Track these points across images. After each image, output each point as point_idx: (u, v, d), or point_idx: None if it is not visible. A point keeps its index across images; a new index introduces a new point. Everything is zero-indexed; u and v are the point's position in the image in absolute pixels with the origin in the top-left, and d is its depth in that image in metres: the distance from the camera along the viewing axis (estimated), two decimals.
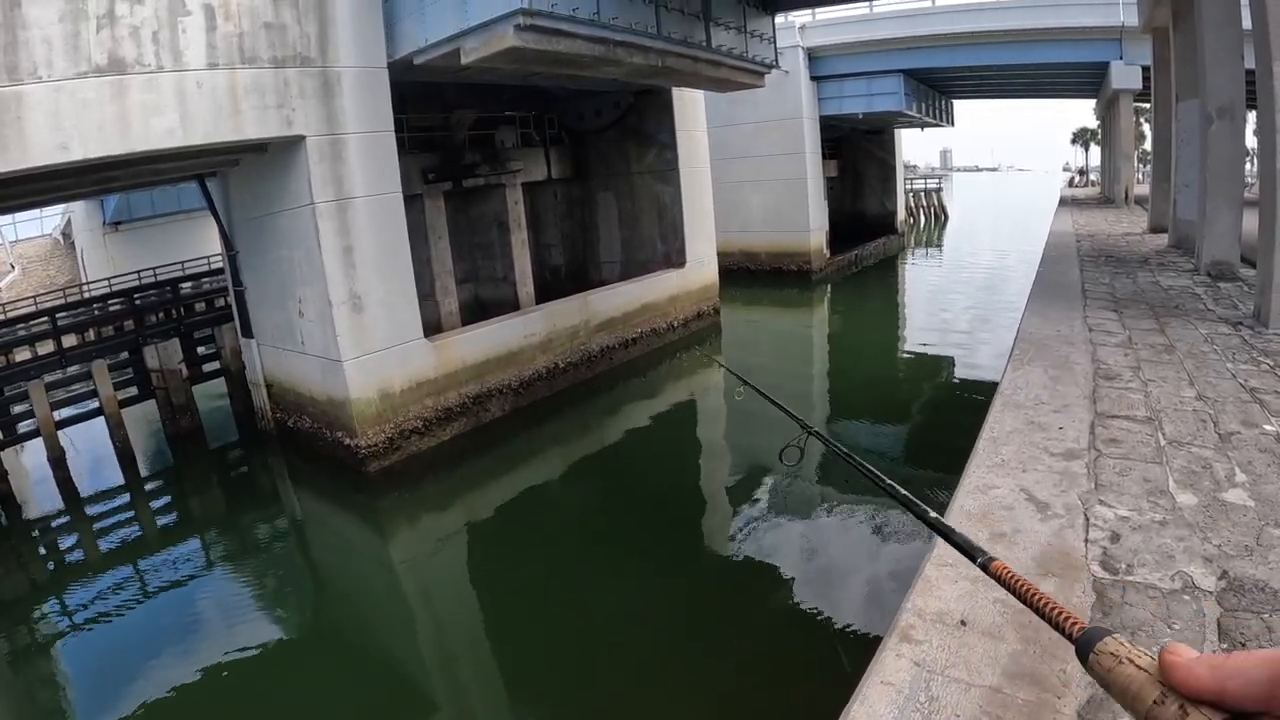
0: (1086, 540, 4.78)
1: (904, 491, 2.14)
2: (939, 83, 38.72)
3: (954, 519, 5.15)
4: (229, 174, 17.09)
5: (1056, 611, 1.18)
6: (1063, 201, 37.29)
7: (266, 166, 15.42)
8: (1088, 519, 5.05)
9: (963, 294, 31.88)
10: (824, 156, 37.06)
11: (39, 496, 17.94)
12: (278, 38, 13.73)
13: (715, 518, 13.76)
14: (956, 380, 19.65)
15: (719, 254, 27.06)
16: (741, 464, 16.18)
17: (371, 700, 9.09)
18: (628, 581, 11.29)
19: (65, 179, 13.79)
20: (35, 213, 45.59)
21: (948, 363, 21.16)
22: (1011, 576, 1.41)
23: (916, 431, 16.52)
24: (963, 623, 4.05)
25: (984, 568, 1.53)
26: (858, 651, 7.76)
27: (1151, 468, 5.73)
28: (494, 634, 10.61)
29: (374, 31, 15.03)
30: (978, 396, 16.86)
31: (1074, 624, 1.14)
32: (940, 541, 4.82)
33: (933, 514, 1.93)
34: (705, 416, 19.99)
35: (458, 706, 9.31)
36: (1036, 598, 1.27)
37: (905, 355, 23.52)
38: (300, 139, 14.23)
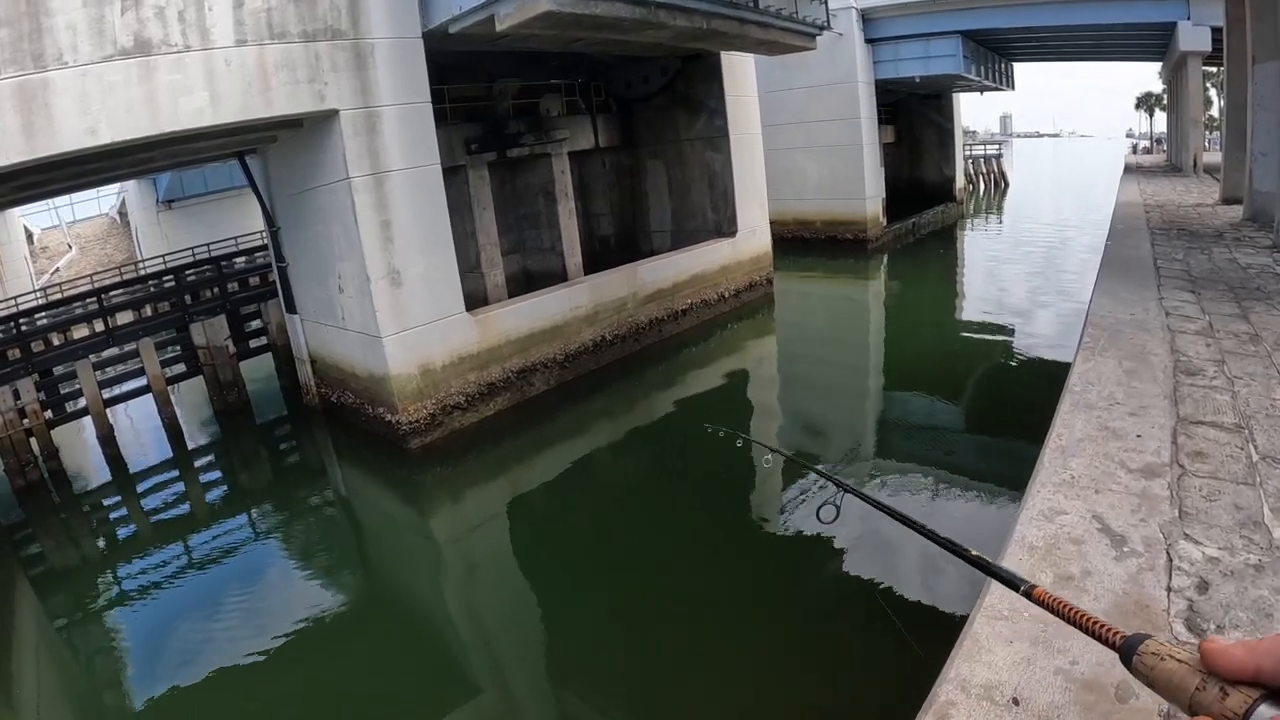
0: (1169, 589, 4.00)
1: (943, 536, 2.10)
2: (999, 45, 37.37)
3: (1013, 553, 4.43)
4: (268, 150, 16.94)
5: (1099, 625, 1.30)
6: (1127, 169, 35.84)
7: (303, 142, 15.21)
8: (1170, 559, 4.27)
9: (1024, 265, 30.74)
10: (880, 122, 35.91)
11: (89, 473, 18.15)
12: (307, 11, 13.45)
13: (765, 496, 13.26)
14: (1018, 360, 18.72)
15: (772, 222, 26.34)
16: (794, 440, 15.65)
17: (413, 672, 9.09)
18: (674, 560, 10.92)
19: (100, 162, 13.69)
20: (92, 193, 46.30)
21: (1008, 339, 20.25)
22: (1054, 600, 1.47)
23: (975, 417, 15.67)
24: (1015, 701, 3.30)
25: (1027, 595, 1.59)
26: (921, 639, 7.21)
27: (1243, 491, 4.92)
28: (536, 611, 10.43)
29: (407, 1, 14.64)
30: (1040, 380, 16.15)
31: (1116, 634, 1.26)
32: (994, 586, 4.26)
33: (974, 552, 1.89)
34: (757, 391, 19.47)
35: (499, 681, 9.19)
36: (1078, 615, 1.36)
37: (963, 330, 22.63)
38: (334, 113, 13.98)
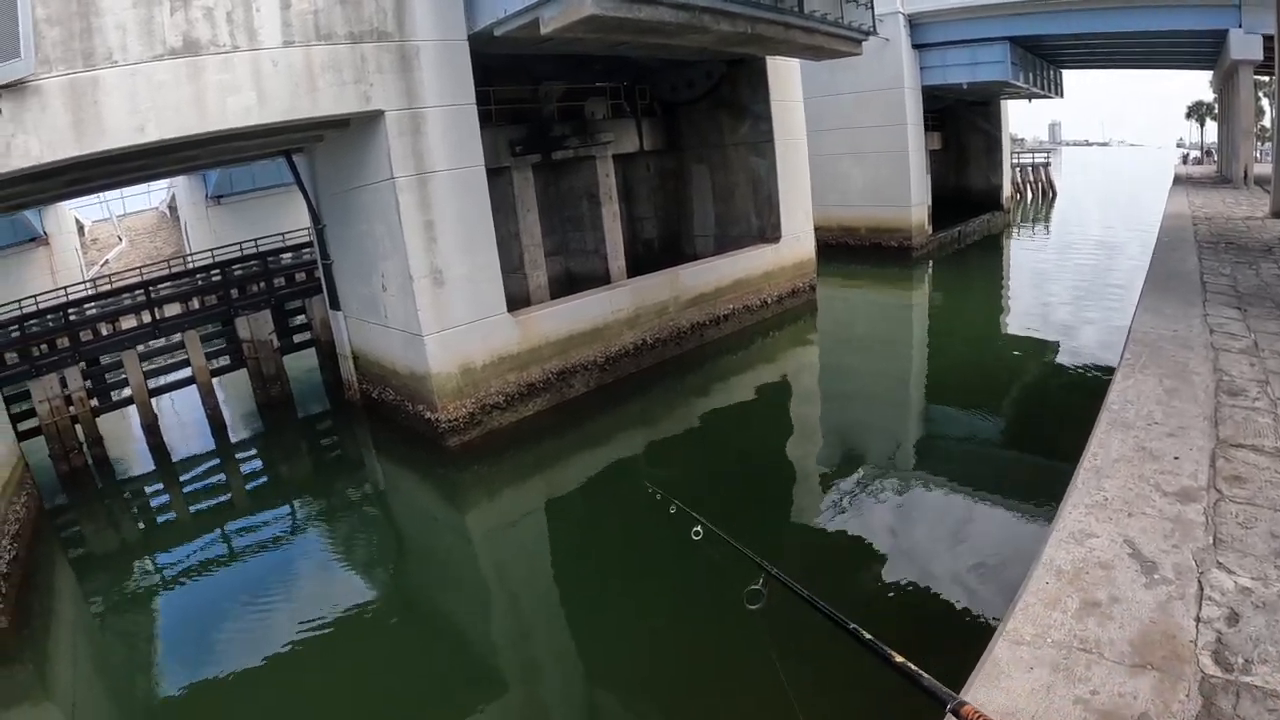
0: (1198, 619, 3.87)
1: (867, 635, 2.09)
2: (1047, 51, 36.75)
3: (1040, 576, 4.34)
4: (315, 149, 17.14)
5: None
6: (1177, 180, 35.12)
7: (348, 142, 15.37)
8: (1201, 588, 4.13)
9: (1070, 277, 30.15)
10: (927, 128, 35.51)
11: (132, 460, 18.46)
12: (353, 13, 13.59)
13: (804, 503, 13.21)
14: (1059, 374, 18.31)
15: (817, 228, 26.11)
16: (834, 448, 15.55)
17: (441, 668, 9.27)
18: (709, 566, 10.82)
19: (148, 159, 13.92)
20: (142, 187, 47.21)
21: (1050, 353, 19.84)
22: None
23: (1011, 432, 15.36)
24: None
25: (955, 713, 1.51)
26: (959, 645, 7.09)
27: None
28: (565, 612, 10.46)
29: (452, 4, 14.73)
30: (1079, 395, 15.85)
31: None
32: (1018, 607, 4.13)
33: (898, 658, 1.82)
34: (798, 397, 19.34)
35: (525, 680, 9.24)
36: None
37: (1006, 342, 22.22)
38: (379, 114, 14.11)
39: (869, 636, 1.84)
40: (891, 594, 9.68)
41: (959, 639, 8.38)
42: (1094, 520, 4.90)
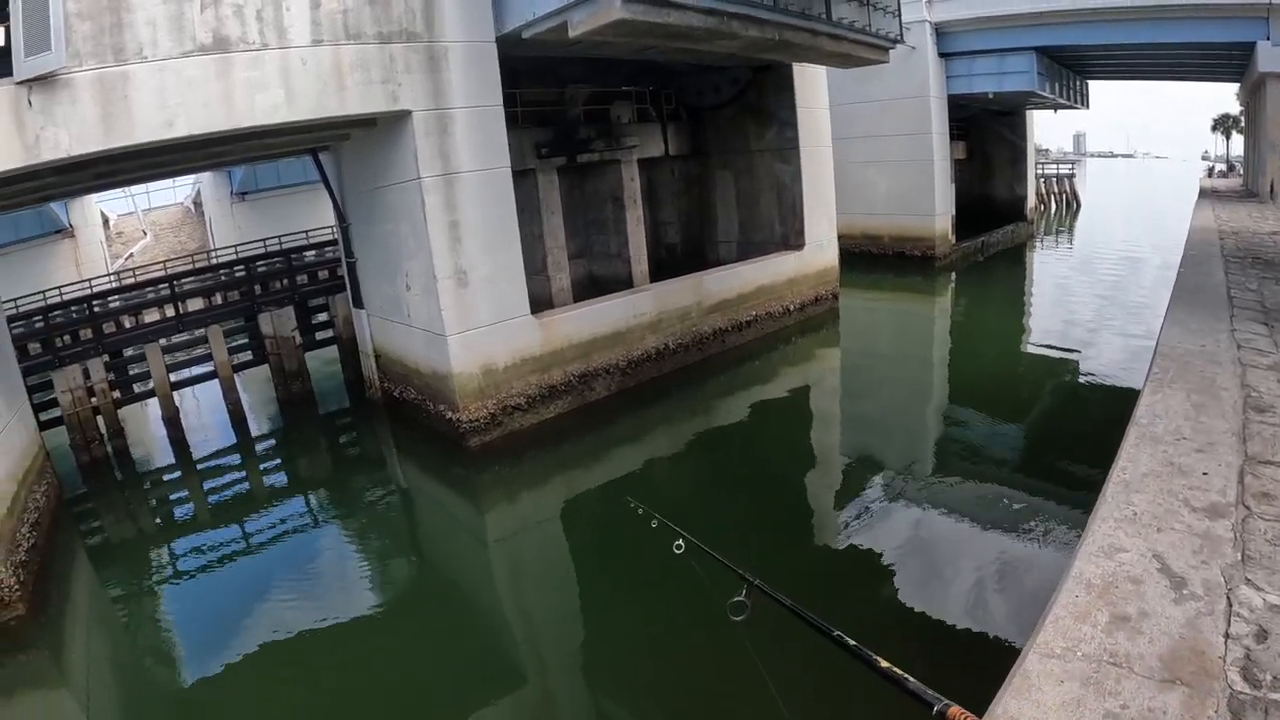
0: (1226, 635, 3.87)
1: (852, 641, 2.15)
2: (1073, 62, 36.53)
3: (1070, 589, 4.34)
4: (341, 148, 17.19)
5: None
6: (1202, 193, 34.78)
7: (375, 141, 15.40)
8: (1230, 604, 4.13)
9: (1093, 290, 29.80)
10: (952, 137, 35.32)
11: (152, 452, 18.64)
12: (382, 13, 13.64)
13: (823, 511, 13.14)
14: (1080, 387, 18.13)
15: (840, 235, 25.94)
16: (855, 456, 15.48)
17: (452, 666, 9.33)
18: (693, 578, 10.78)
19: (177, 154, 13.99)
20: (168, 182, 47.52)
21: (1072, 367, 19.65)
22: None
23: (1032, 445, 15.20)
24: None
25: (941, 716, 1.51)
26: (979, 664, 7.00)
27: None
28: (579, 616, 10.48)
29: (480, 6, 14.75)
30: (1101, 409, 15.88)
31: None
32: (1049, 620, 4.08)
33: (884, 663, 1.86)
34: (819, 405, 19.26)
35: (535, 681, 9.28)
36: None
37: (1028, 354, 21.98)
38: (406, 114, 14.15)
39: (854, 643, 1.82)
40: (907, 610, 9.57)
41: (969, 651, 8.37)
42: (1123, 534, 4.92)
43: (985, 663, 8.09)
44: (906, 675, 1.54)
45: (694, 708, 8.24)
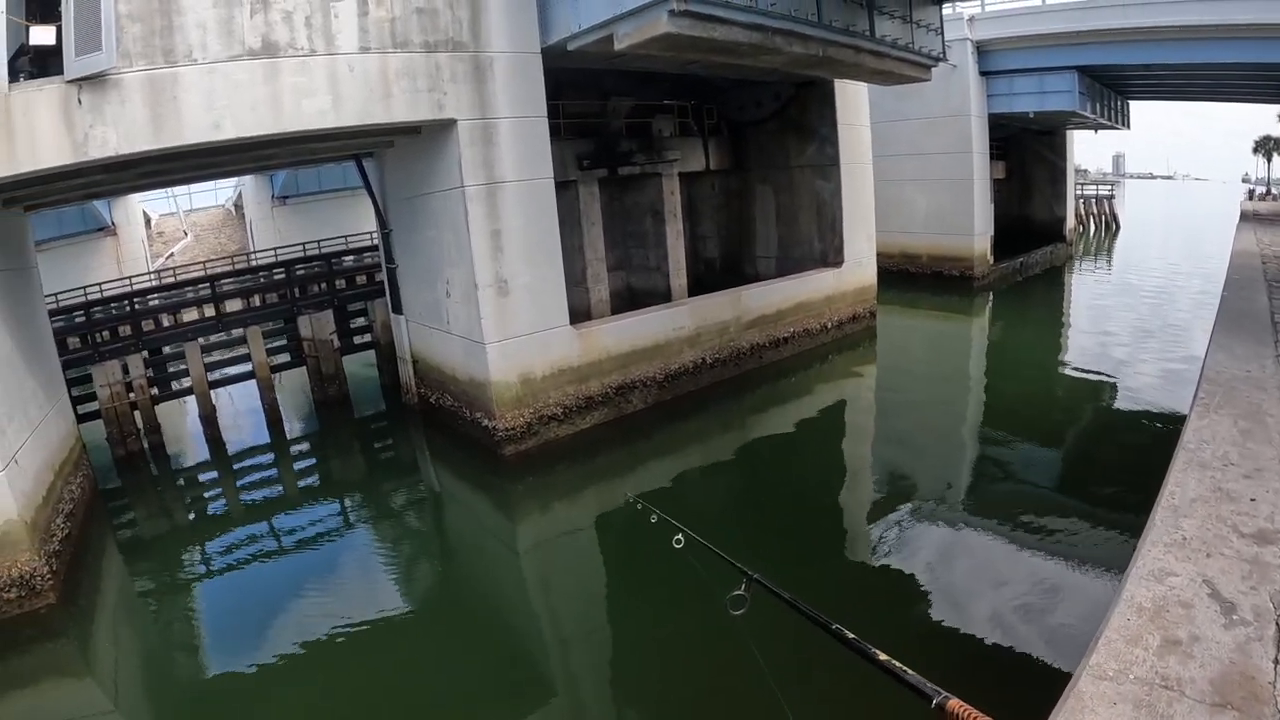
0: (1275, 661, 3.90)
1: (851, 635, 2.11)
2: (1114, 81, 36.17)
3: (1122, 612, 4.36)
4: (384, 154, 17.35)
5: None
6: (1243, 216, 34.32)
7: (419, 148, 15.50)
8: (1279, 631, 4.15)
9: (1132, 312, 29.38)
10: (991, 157, 35.13)
11: (188, 449, 18.90)
12: (429, 22, 13.75)
13: (856, 529, 13.03)
14: (1118, 412, 17.80)
15: (878, 253, 25.78)
16: (889, 476, 15.32)
17: (477, 674, 9.28)
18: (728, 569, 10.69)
19: (223, 155, 14.15)
20: (210, 184, 48.39)
21: (1110, 391, 19.36)
22: (969, 714, 1.40)
23: (1071, 470, 14.88)
24: None
25: (940, 708, 1.55)
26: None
27: None
28: (607, 629, 10.48)
29: (526, 17, 14.82)
30: (1140, 434, 15.72)
31: None
32: (1101, 642, 4.05)
33: (883, 656, 1.86)
34: (854, 423, 19.10)
35: (560, 692, 9.23)
36: None
37: (1066, 378, 21.66)
38: (451, 122, 14.23)
39: (853, 636, 1.79)
40: (943, 628, 9.43)
41: (1006, 668, 8.27)
42: (1173, 559, 4.97)
43: (1020, 680, 8.03)
44: (905, 668, 1.55)
45: (694, 706, 8.35)
